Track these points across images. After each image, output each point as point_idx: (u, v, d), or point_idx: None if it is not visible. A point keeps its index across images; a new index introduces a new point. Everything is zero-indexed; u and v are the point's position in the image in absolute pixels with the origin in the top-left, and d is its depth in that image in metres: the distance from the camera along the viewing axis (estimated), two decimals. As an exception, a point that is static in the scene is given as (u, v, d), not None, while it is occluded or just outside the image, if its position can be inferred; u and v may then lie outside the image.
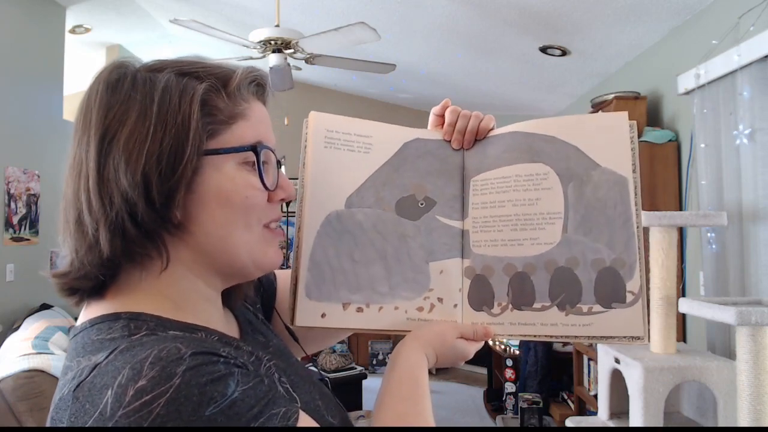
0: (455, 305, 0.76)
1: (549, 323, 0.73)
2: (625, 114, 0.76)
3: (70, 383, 0.50)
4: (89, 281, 0.57)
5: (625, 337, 0.71)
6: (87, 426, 0.46)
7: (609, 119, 0.76)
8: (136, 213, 0.55)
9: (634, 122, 0.74)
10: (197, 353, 0.48)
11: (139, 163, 0.54)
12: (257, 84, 0.64)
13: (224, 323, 0.65)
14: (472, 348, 0.73)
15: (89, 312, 0.58)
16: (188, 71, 0.59)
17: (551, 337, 0.73)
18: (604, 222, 0.73)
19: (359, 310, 0.74)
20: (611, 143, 0.74)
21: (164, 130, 0.55)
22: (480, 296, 0.75)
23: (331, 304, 0.74)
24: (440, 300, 0.75)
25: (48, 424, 0.51)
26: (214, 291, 0.63)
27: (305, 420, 0.52)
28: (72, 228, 0.57)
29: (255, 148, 0.60)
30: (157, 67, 0.60)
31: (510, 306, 0.74)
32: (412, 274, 0.75)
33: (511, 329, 0.74)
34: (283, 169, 0.68)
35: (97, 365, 0.49)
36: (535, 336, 0.73)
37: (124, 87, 0.57)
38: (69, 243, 0.58)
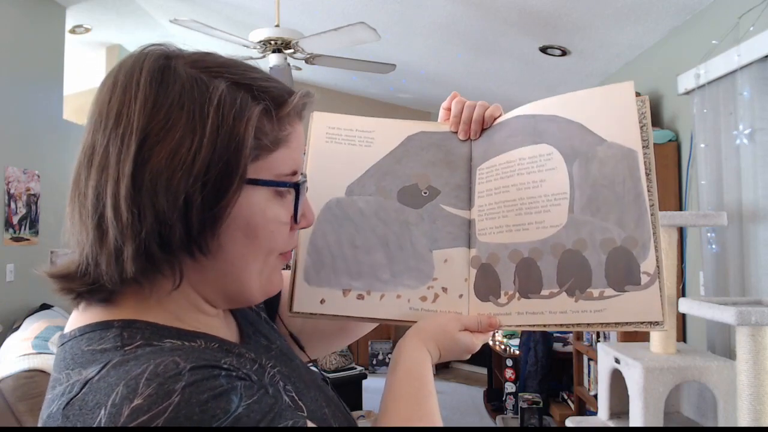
0: (461, 295, 0.73)
1: (558, 311, 0.68)
2: (630, 84, 0.70)
3: (59, 399, 0.47)
4: (102, 293, 0.53)
5: (642, 322, 0.64)
6: None
7: (613, 91, 0.71)
8: (170, 236, 0.50)
9: (646, 97, 0.70)
10: (197, 367, 0.45)
11: (183, 184, 0.49)
12: (304, 104, 0.59)
13: (224, 328, 0.62)
14: (478, 340, 0.70)
15: (81, 317, 0.54)
16: (242, 83, 0.54)
17: (561, 326, 0.68)
18: (613, 199, 0.67)
19: (360, 297, 0.72)
20: (617, 116, 0.69)
21: (214, 153, 0.50)
22: (486, 286, 0.72)
23: (330, 289, 0.72)
24: (444, 290, 0.73)
25: None
26: (212, 308, 0.60)
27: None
28: (90, 231, 0.52)
29: (296, 185, 0.56)
30: (206, 67, 0.54)
31: (517, 294, 0.70)
32: (414, 262, 0.73)
33: (518, 319, 0.70)
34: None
35: (89, 381, 0.46)
36: (544, 325, 0.69)
37: (175, 87, 0.51)
38: (81, 244, 0.53)
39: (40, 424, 0.49)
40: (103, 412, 0.43)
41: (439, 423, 0.61)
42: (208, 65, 0.54)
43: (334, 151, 0.75)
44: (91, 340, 0.51)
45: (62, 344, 0.53)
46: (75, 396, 0.46)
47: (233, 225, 0.53)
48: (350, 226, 0.73)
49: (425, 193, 0.75)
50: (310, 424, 0.50)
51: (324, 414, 0.60)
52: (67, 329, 0.55)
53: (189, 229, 0.50)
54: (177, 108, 0.50)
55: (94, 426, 0.43)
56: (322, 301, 0.71)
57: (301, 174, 0.59)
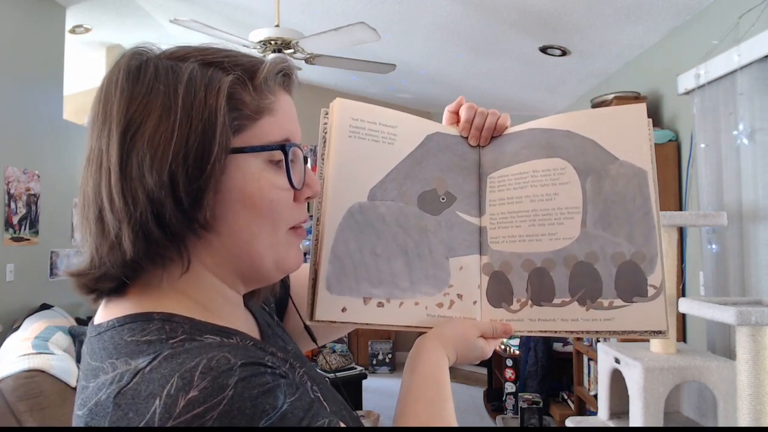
0: (474, 302, 0.75)
1: (569, 318, 0.72)
2: (643, 106, 0.75)
3: (108, 388, 0.48)
4: (110, 282, 0.54)
5: (646, 331, 0.70)
6: None
7: (627, 112, 0.75)
8: (163, 214, 0.52)
9: (650, 119, 0.74)
10: (246, 364, 0.47)
11: (165, 161, 0.51)
12: (284, 74, 0.61)
13: (247, 323, 0.63)
14: (491, 347, 0.72)
15: (112, 310, 0.55)
16: (213, 61, 0.56)
17: (572, 332, 0.72)
18: (624, 215, 0.72)
19: (380, 305, 0.73)
20: (629, 136, 0.73)
21: (190, 126, 0.52)
22: (499, 293, 0.75)
23: (351, 298, 0.72)
24: (460, 296, 0.75)
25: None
26: (236, 293, 0.61)
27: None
28: (92, 226, 0.54)
29: (283, 147, 0.57)
30: (179, 55, 0.56)
31: (529, 302, 0.73)
32: (432, 269, 0.74)
33: (530, 325, 0.73)
34: (309, 163, 0.65)
35: (140, 371, 0.47)
36: (555, 332, 0.72)
37: (147, 76, 0.54)
38: (89, 241, 0.55)
39: (82, 412, 0.49)
40: (158, 402, 0.44)
41: (454, 425, 0.63)
42: (180, 54, 0.57)
43: (357, 148, 0.74)
44: (133, 331, 0.51)
45: (98, 334, 0.54)
46: (126, 385, 0.46)
47: (230, 197, 0.55)
48: (372, 233, 0.73)
49: (443, 199, 0.77)
50: (341, 424, 0.51)
51: (343, 415, 0.61)
52: (100, 320, 0.55)
53: (179, 203, 0.52)
54: (152, 93, 0.53)
55: (148, 415, 0.44)
56: (344, 310, 0.72)
57: (293, 143, 0.60)
